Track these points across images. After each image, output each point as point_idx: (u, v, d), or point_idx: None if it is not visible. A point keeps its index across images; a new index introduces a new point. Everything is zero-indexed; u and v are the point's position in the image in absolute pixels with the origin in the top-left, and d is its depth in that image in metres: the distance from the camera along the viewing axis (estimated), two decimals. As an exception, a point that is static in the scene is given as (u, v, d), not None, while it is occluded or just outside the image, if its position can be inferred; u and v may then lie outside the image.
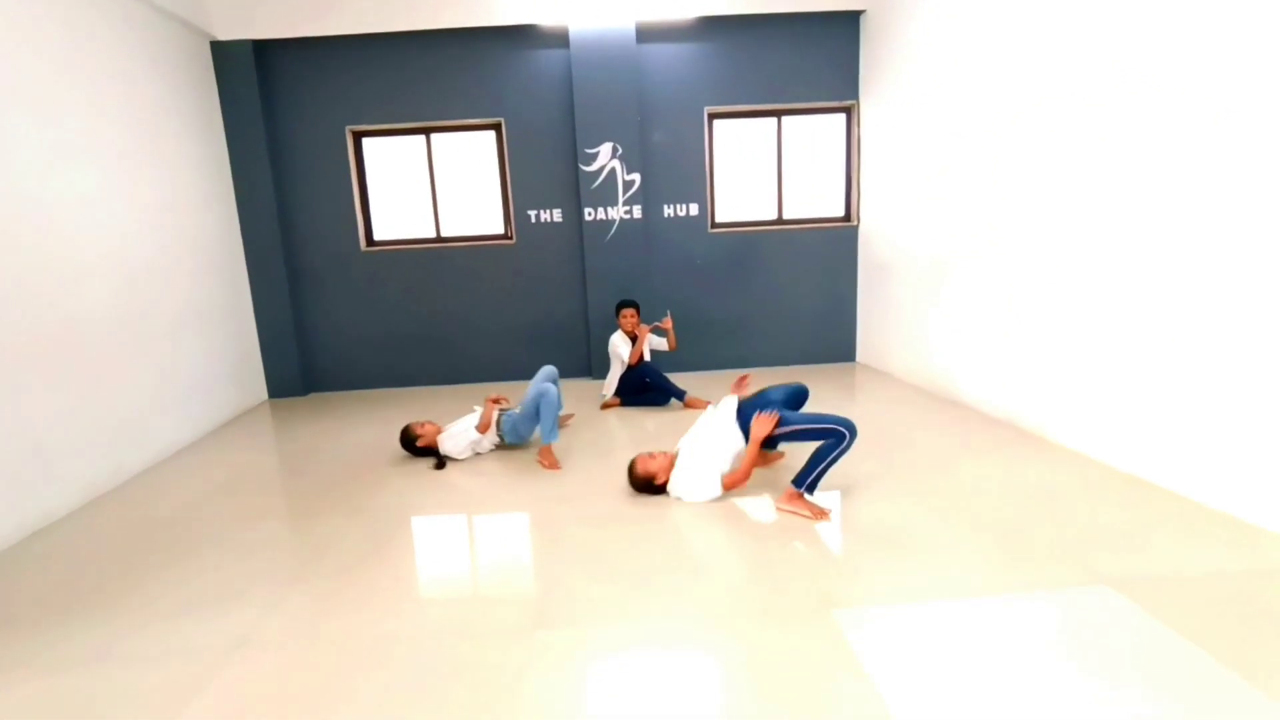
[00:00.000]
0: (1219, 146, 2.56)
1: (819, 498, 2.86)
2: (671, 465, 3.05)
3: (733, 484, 2.95)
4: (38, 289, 3.25)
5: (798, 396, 3.22)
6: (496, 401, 3.85)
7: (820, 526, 2.70)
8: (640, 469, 3.04)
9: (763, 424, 2.87)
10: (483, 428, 3.74)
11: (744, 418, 3.03)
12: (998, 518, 2.67)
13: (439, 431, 3.82)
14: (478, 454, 3.84)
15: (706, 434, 3.10)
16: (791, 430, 2.88)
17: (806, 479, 2.80)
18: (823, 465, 2.77)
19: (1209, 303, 2.62)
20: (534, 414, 3.71)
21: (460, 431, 3.77)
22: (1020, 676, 1.73)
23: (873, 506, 2.86)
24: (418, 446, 3.78)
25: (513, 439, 3.84)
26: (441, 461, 3.69)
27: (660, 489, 3.05)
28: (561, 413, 4.10)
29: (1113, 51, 3.00)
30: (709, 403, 4.57)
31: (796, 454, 3.34)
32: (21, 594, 2.48)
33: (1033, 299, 3.64)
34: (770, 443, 2.97)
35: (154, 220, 4.29)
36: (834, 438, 2.78)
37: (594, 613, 2.15)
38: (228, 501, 3.34)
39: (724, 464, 3.00)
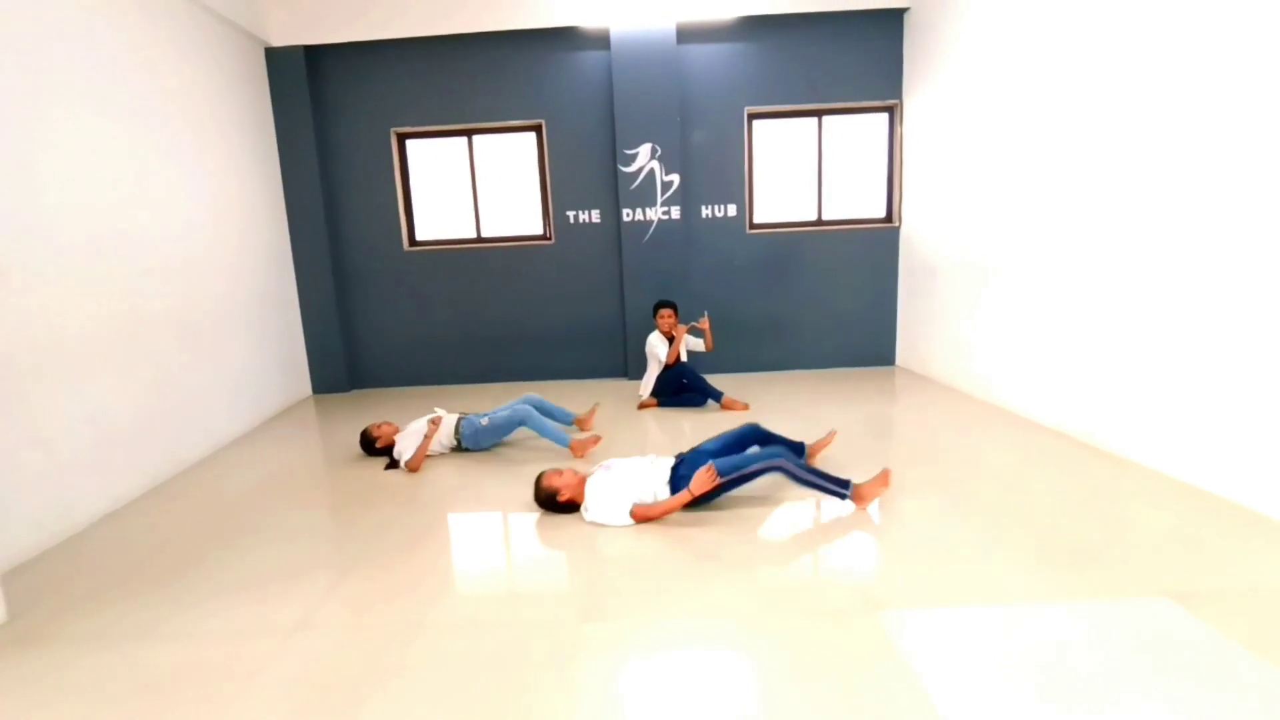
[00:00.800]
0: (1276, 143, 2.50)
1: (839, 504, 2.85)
2: (580, 485, 2.96)
3: (645, 517, 2.82)
4: (110, 283, 3.45)
5: (742, 439, 3.19)
6: (435, 423, 3.88)
7: (865, 531, 2.71)
8: (544, 484, 2.96)
9: (702, 482, 2.76)
10: (429, 435, 3.79)
11: (681, 471, 2.94)
12: (1047, 524, 2.65)
13: (396, 432, 3.92)
14: (437, 454, 3.90)
15: (632, 467, 3.00)
16: (731, 481, 2.83)
17: (732, 473, 2.81)
18: (748, 475, 2.83)
19: (1263, 305, 2.56)
20: (502, 429, 3.86)
21: (413, 432, 3.83)
22: (1076, 687, 1.73)
23: (917, 510, 2.86)
24: (376, 447, 3.89)
25: (470, 444, 3.92)
26: (393, 462, 3.78)
27: (564, 507, 2.95)
28: (581, 415, 4.24)
29: (1166, 49, 2.94)
30: (747, 405, 4.60)
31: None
32: (100, 572, 2.65)
33: (1079, 303, 3.58)
34: (707, 497, 2.88)
35: (211, 220, 4.50)
36: (774, 471, 2.82)
37: (638, 607, 2.20)
38: (280, 491, 3.49)
39: (637, 496, 2.88)
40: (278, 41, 5.29)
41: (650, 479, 2.95)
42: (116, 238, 3.53)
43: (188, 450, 4.01)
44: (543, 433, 3.81)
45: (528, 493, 3.16)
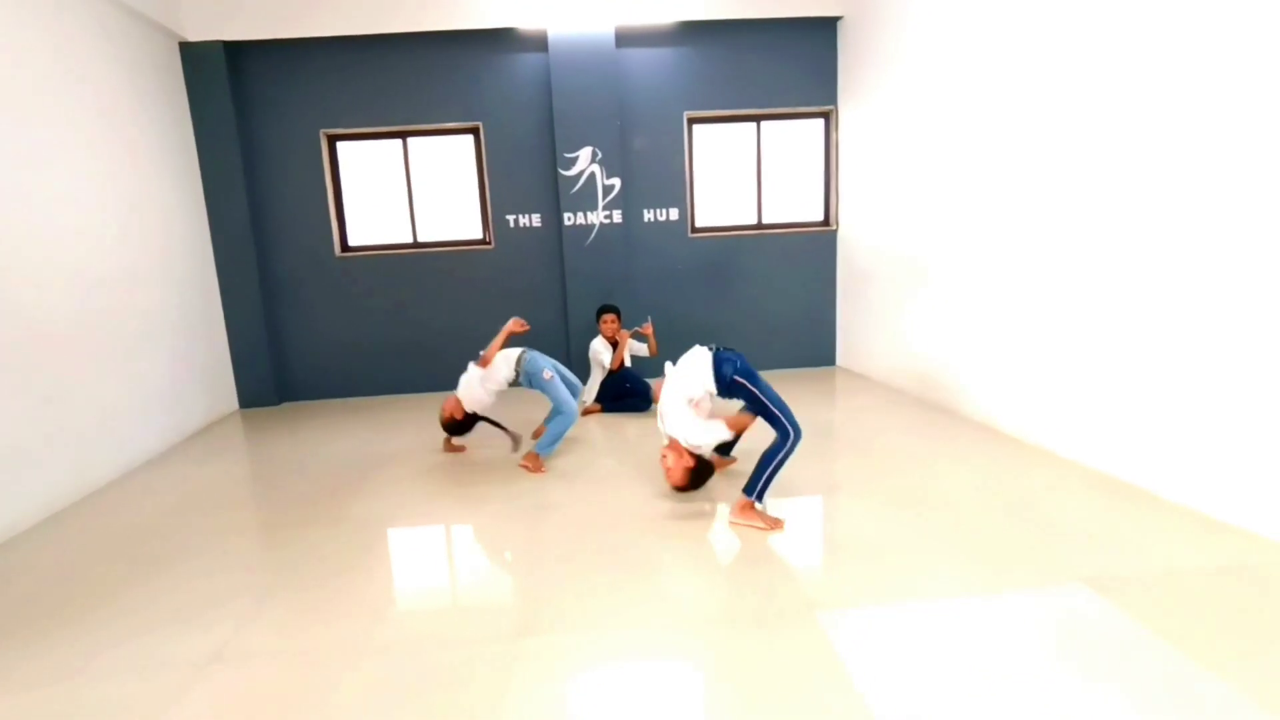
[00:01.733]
0: (1193, 147, 2.67)
1: (770, 506, 2.86)
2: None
3: (740, 425, 3.01)
4: (1, 292, 3.19)
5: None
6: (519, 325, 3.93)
7: (799, 530, 2.75)
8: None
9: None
10: (484, 361, 3.78)
11: (724, 370, 2.86)
12: (976, 519, 2.74)
13: (456, 402, 3.83)
14: (499, 392, 3.89)
15: (682, 372, 2.95)
16: (757, 395, 2.80)
17: (756, 485, 2.73)
18: (770, 469, 2.72)
19: (1174, 304, 2.73)
20: (549, 390, 3.76)
21: (468, 382, 3.80)
22: (999, 675, 1.79)
23: (852, 509, 2.92)
24: (458, 422, 3.83)
25: (525, 384, 3.88)
26: (465, 423, 3.82)
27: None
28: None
29: (1090, 50, 3.10)
30: None
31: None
32: (-18, 611, 2.43)
33: (1009, 302, 3.74)
34: (725, 448, 3.05)
35: (122, 225, 4.23)
36: (782, 436, 2.74)
37: (576, 620, 2.17)
38: (199, 514, 3.30)
39: (692, 392, 2.89)
40: (194, 36, 5.02)
41: (699, 373, 2.88)
42: (6, 243, 3.26)
43: (94, 472, 3.74)
44: (558, 427, 3.71)
45: (469, 502, 3.08)
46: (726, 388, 2.86)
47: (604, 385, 4.80)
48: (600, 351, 4.76)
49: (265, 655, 2.06)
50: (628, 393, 4.77)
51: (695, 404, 2.90)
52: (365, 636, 2.13)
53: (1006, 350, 3.77)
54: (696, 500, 3.08)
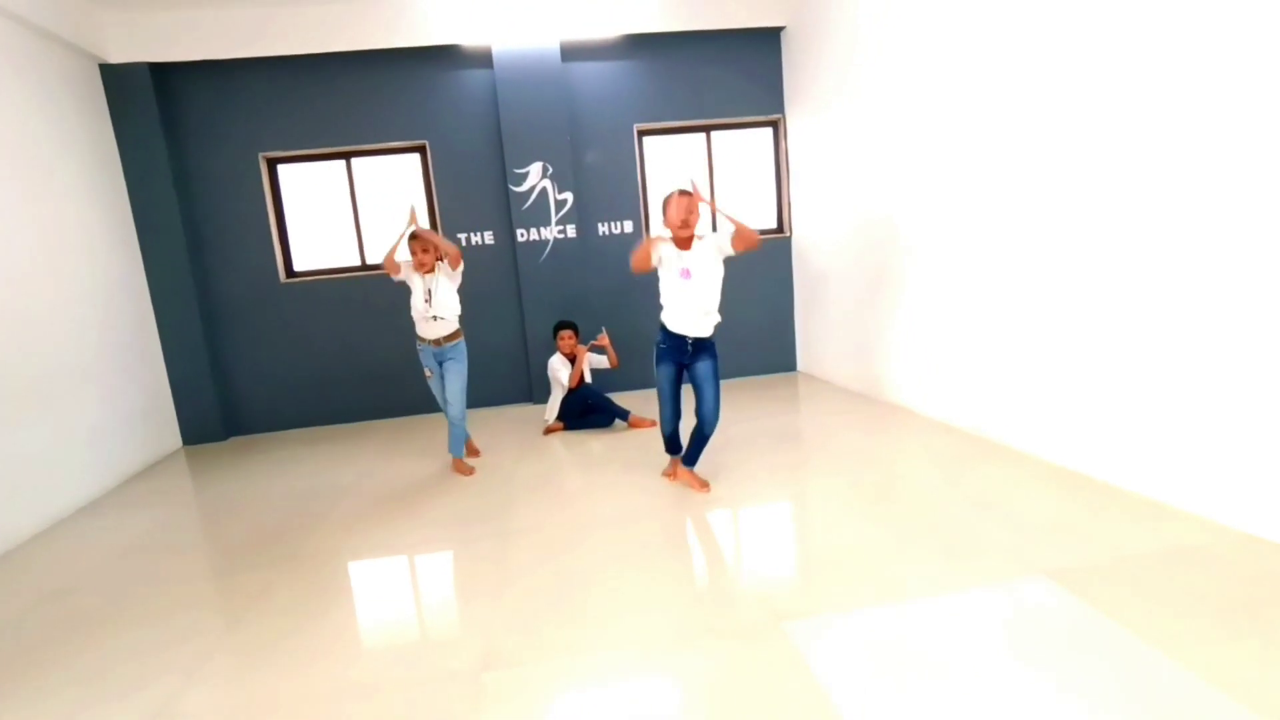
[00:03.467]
0: (1140, 145, 2.79)
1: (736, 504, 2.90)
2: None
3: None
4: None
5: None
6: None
7: (765, 537, 2.75)
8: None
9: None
10: (388, 264, 4.06)
11: None
12: (940, 516, 2.79)
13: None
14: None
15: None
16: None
17: (696, 457, 3.37)
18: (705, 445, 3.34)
19: (1118, 298, 2.84)
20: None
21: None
22: (967, 674, 1.81)
23: (816, 512, 2.94)
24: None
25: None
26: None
27: None
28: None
29: (1036, 47, 3.22)
30: (653, 422, 4.60)
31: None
32: (-108, 687, 2.25)
33: (962, 300, 3.84)
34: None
35: (44, 260, 4.03)
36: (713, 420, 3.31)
37: (541, 649, 2.12)
38: (137, 563, 3.13)
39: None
40: (115, 58, 4.84)
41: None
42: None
43: (19, 526, 3.52)
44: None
45: (428, 532, 3.00)
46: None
47: (565, 403, 4.75)
48: (558, 369, 4.72)
49: (212, 712, 1.95)
50: (590, 409, 4.73)
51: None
52: (320, 682, 2.04)
53: (962, 347, 3.87)
54: (663, 514, 3.06)
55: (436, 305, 3.90)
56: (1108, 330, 2.89)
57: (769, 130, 5.91)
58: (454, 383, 3.92)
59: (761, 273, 5.98)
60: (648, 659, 2.02)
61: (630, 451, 4.13)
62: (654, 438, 4.27)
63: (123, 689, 2.10)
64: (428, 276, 3.95)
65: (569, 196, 5.45)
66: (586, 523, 3.07)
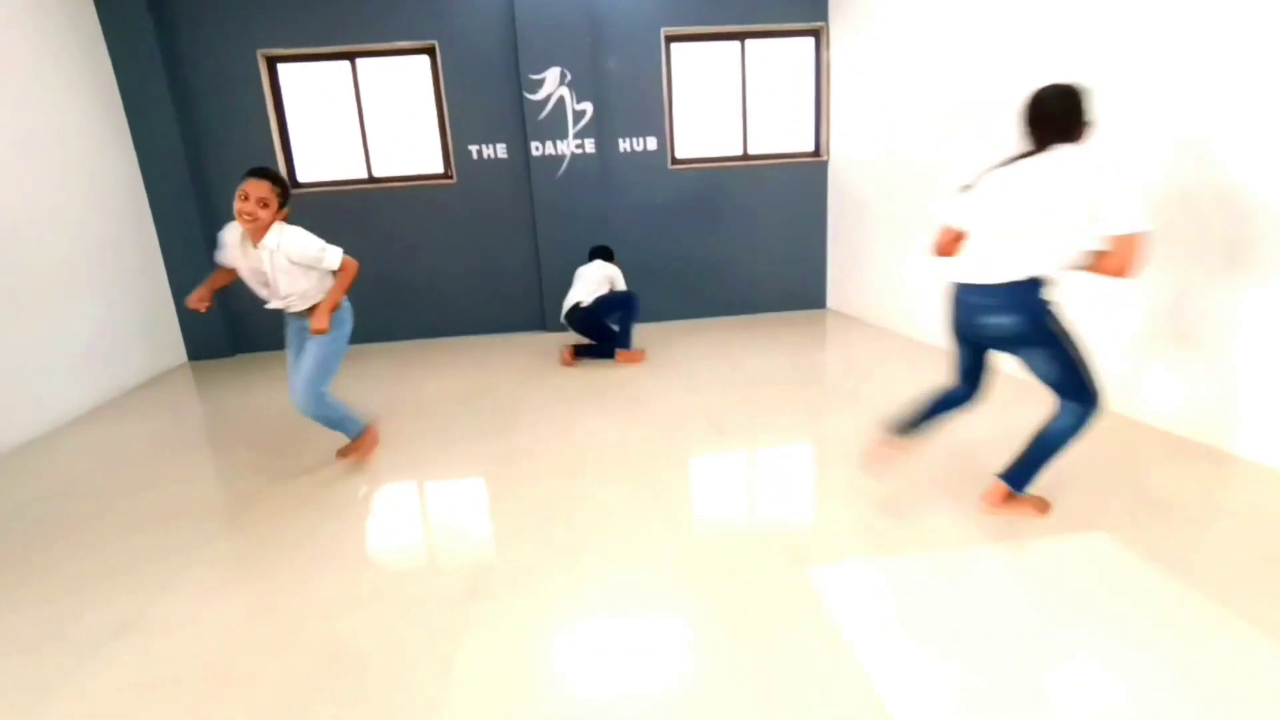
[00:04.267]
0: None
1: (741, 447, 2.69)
2: None
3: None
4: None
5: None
6: None
7: (785, 479, 2.56)
8: None
9: None
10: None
11: None
12: (990, 463, 2.55)
13: None
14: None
15: None
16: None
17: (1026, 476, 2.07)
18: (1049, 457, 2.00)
19: (1194, 239, 2.49)
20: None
21: None
22: (1009, 630, 1.61)
23: (842, 456, 2.72)
24: None
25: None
26: None
27: None
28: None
29: (1105, -55, 2.77)
30: (642, 355, 4.35)
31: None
32: None
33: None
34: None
35: (33, 158, 3.85)
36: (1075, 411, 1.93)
37: (541, 576, 1.96)
38: (126, 472, 3.04)
39: None
40: (101, -60, 4.49)
41: None
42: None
43: (13, 431, 3.46)
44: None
45: (431, 453, 2.85)
46: None
47: (577, 318, 4.44)
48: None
49: (180, 625, 1.84)
50: (594, 330, 4.40)
51: None
52: (295, 601, 1.91)
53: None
54: (672, 440, 2.87)
55: (281, 291, 2.66)
56: (1187, 267, 2.55)
57: (810, 40, 5.40)
58: (305, 363, 2.68)
59: (793, 200, 5.59)
60: (663, 591, 1.85)
61: (641, 389, 3.93)
62: (687, 373, 4.07)
63: (92, 597, 2.00)
64: (256, 251, 2.55)
65: (588, 107, 5.07)
66: (593, 443, 2.90)
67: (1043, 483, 2.17)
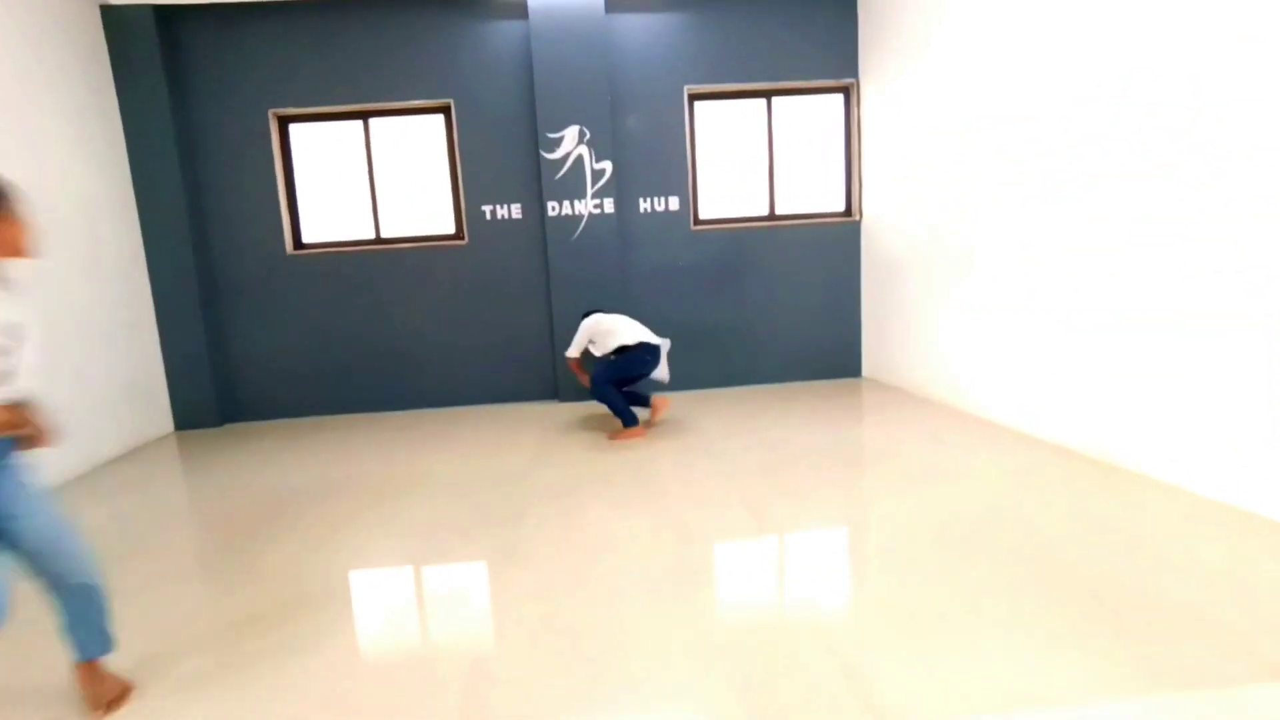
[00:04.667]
0: None
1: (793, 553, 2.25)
2: None
3: None
4: None
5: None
6: None
7: (837, 596, 2.08)
8: None
9: None
10: None
11: None
12: (1072, 574, 2.06)
13: None
14: None
15: None
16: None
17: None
18: None
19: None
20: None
21: None
22: None
23: (905, 565, 2.24)
24: None
25: None
26: None
27: None
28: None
29: (1159, 7, 2.49)
30: (642, 433, 3.95)
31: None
32: None
33: (1080, 294, 3.09)
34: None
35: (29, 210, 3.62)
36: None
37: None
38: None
39: None
40: None
41: None
42: None
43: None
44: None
45: (420, 546, 2.42)
46: None
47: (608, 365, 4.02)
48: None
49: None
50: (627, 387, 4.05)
51: None
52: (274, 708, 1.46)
53: (1079, 351, 3.11)
54: (702, 541, 2.42)
55: None
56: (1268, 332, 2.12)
57: (839, 97, 5.19)
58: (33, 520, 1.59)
59: (824, 262, 5.27)
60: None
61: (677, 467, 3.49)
62: (708, 455, 3.65)
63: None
64: None
65: (608, 166, 4.85)
66: (608, 546, 2.45)
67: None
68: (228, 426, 5.04)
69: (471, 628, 2.01)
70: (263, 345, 5.06)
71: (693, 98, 5.07)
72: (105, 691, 1.69)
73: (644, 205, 5.08)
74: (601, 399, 3.92)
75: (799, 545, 2.45)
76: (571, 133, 4.79)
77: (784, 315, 5.31)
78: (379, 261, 5.02)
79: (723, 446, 3.68)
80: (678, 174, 5.08)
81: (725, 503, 2.84)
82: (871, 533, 2.53)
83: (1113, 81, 2.83)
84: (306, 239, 5.08)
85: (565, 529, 2.65)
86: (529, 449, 3.88)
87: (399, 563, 2.49)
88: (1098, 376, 3.04)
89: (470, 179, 4.96)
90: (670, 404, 4.11)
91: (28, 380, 1.62)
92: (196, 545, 2.81)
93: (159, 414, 4.82)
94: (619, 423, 4.04)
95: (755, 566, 2.28)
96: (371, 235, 5.07)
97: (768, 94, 5.10)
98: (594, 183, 4.86)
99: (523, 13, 4.77)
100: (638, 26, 4.89)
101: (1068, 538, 2.31)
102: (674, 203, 5.10)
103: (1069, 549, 2.22)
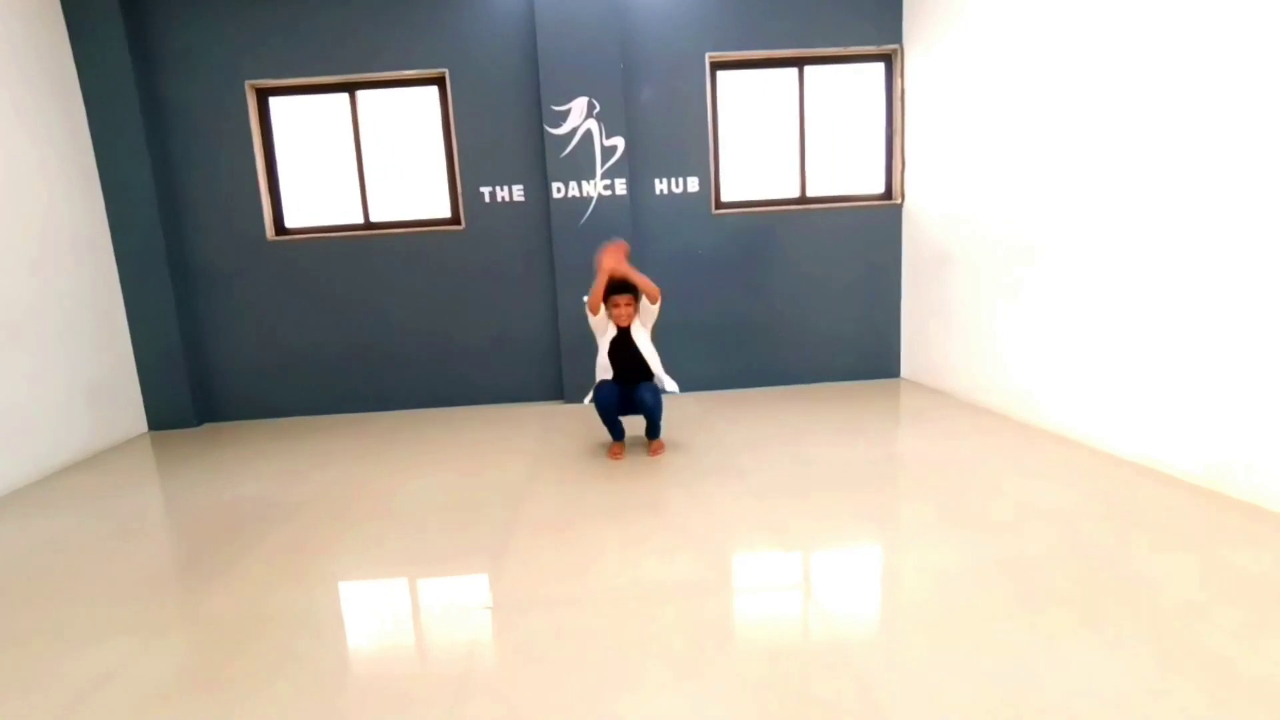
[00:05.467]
0: None
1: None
2: None
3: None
4: None
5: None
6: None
7: (880, 661, 1.62)
8: None
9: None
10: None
11: None
12: (1180, 617, 1.59)
13: None
14: None
15: None
16: None
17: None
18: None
19: None
20: None
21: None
22: None
23: (969, 615, 1.77)
24: None
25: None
26: None
27: None
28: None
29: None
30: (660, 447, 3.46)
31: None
32: None
33: (1152, 292, 2.59)
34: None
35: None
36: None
37: None
38: (56, 573, 2.25)
39: None
40: (74, -41, 4.05)
41: None
42: None
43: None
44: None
45: (397, 567, 2.00)
46: None
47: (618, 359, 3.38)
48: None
49: None
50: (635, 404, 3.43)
51: None
52: None
53: (1163, 356, 2.61)
54: (720, 589, 1.97)
55: None
56: None
57: (880, 65, 4.67)
58: None
59: (860, 250, 4.77)
60: None
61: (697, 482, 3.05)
62: (732, 474, 3.20)
63: None
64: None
65: (619, 142, 4.38)
66: (595, 570, 2.01)
67: None
68: (207, 426, 4.67)
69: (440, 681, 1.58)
70: (243, 339, 4.68)
71: (715, 66, 4.57)
72: None
73: (659, 186, 4.61)
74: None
75: (844, 619, 2.00)
76: (579, 105, 4.32)
77: (814, 309, 4.82)
78: (368, 248, 4.61)
79: (745, 462, 3.22)
80: (698, 152, 4.59)
81: (745, 534, 2.39)
82: (938, 578, 2.06)
83: (1228, 36, 2.31)
84: (289, 223, 4.67)
85: (559, 565, 2.22)
86: (528, 458, 3.45)
87: (362, 603, 2.07)
88: (1215, 388, 2.54)
89: (467, 158, 4.52)
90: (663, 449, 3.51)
91: None
92: (124, 578, 2.41)
93: (131, 414, 4.46)
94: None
95: (787, 641, 1.83)
96: (360, 220, 4.65)
97: (799, 62, 4.59)
98: (604, 161, 4.39)
99: (525, -29, 4.30)
100: (654, -15, 4.40)
101: (1152, 578, 1.83)
102: (693, 184, 4.62)
103: (1151, 591, 1.74)
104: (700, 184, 4.62)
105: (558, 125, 4.34)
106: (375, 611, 2.08)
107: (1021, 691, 1.49)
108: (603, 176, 4.41)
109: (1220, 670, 1.52)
